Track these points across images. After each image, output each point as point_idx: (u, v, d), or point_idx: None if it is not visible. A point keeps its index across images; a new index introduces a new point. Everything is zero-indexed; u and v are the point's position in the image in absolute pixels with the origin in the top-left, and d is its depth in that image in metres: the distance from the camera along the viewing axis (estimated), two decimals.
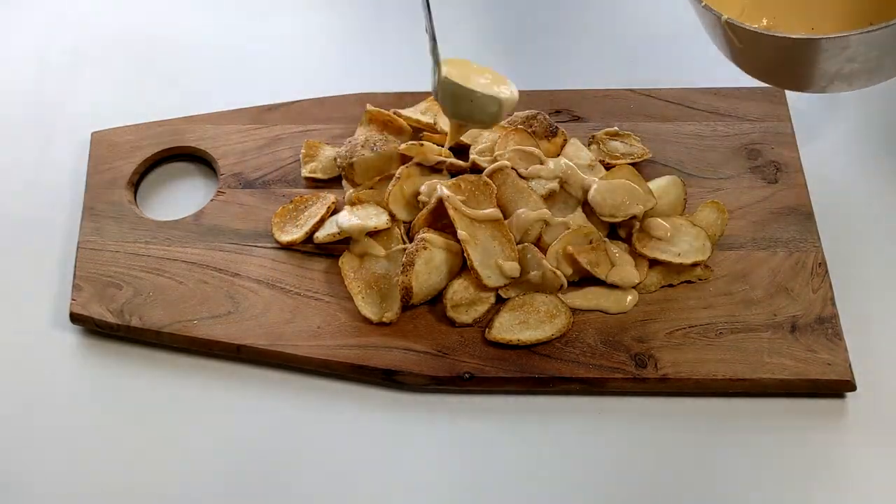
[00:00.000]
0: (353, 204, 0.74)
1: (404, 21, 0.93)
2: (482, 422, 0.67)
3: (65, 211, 0.78)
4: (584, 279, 0.71)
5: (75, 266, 0.73)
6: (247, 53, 0.90)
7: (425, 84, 0.84)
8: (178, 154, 0.81)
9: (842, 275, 0.72)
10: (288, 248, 0.74)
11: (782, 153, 0.78)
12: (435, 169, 0.74)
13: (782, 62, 0.68)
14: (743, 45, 0.68)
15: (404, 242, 0.72)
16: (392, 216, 0.73)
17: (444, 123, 0.78)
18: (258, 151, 0.80)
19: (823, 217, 0.75)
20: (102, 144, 0.81)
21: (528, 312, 0.69)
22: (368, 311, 0.70)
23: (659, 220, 0.72)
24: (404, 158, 0.76)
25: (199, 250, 0.74)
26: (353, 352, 0.68)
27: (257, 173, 0.78)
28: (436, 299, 0.70)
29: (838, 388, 0.67)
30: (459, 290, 0.70)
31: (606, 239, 0.72)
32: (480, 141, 0.77)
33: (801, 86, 0.70)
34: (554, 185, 0.73)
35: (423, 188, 0.73)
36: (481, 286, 0.70)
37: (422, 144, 0.75)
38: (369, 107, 0.79)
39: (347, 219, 0.72)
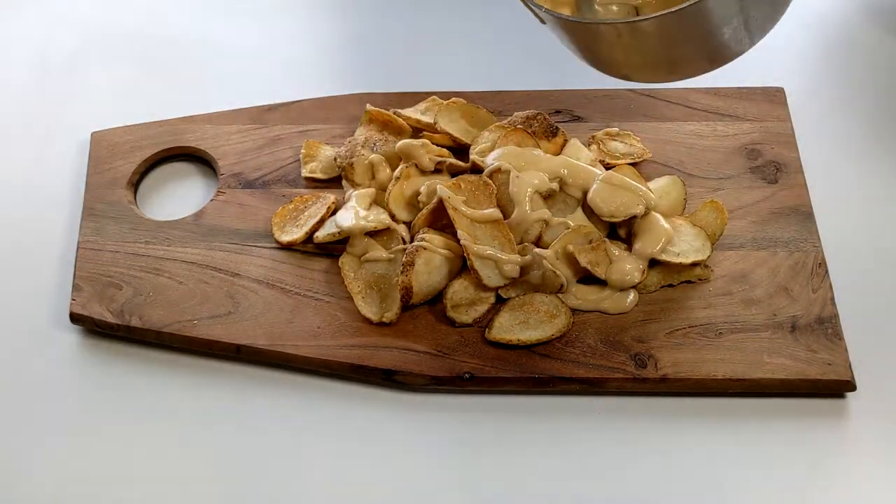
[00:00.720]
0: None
1: (405, 21, 0.93)
2: (482, 422, 0.67)
3: (65, 211, 0.78)
4: (584, 279, 0.71)
5: (75, 266, 0.73)
6: (247, 53, 0.90)
7: (425, 84, 0.84)
8: (178, 154, 0.81)
9: (842, 275, 0.72)
10: (288, 248, 0.74)
11: (782, 153, 0.78)
12: (435, 169, 0.74)
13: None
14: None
15: (404, 242, 0.72)
16: (392, 216, 0.73)
17: (445, 123, 0.77)
18: (258, 151, 0.80)
19: (823, 217, 0.75)
20: (102, 144, 0.81)
21: (528, 312, 0.69)
22: (368, 311, 0.70)
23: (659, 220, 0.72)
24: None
25: (199, 250, 0.74)
26: (353, 352, 0.68)
27: (257, 173, 0.78)
28: (436, 299, 0.70)
29: (838, 388, 0.67)
30: (459, 290, 0.70)
31: (606, 239, 0.72)
32: (480, 141, 0.77)
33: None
34: (554, 185, 0.73)
35: (423, 188, 0.73)
36: (481, 286, 0.70)
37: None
38: (369, 107, 0.79)
39: (347, 219, 0.72)
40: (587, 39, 0.66)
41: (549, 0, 0.68)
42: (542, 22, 0.67)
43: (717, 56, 0.66)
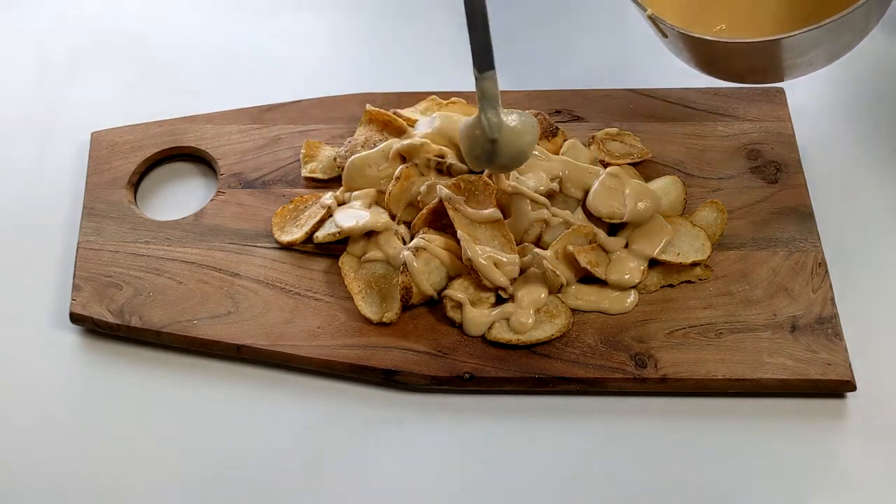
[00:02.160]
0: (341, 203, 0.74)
1: (404, 21, 0.93)
2: (482, 422, 0.67)
3: (65, 211, 0.78)
4: (584, 279, 0.71)
5: (75, 266, 0.73)
6: (247, 53, 0.90)
7: (425, 84, 0.84)
8: (178, 154, 0.81)
9: (842, 275, 0.72)
10: (288, 248, 0.74)
11: (782, 153, 0.78)
12: (436, 169, 0.74)
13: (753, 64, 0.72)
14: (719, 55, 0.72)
15: (404, 242, 0.72)
16: (392, 216, 0.73)
17: None
18: (258, 151, 0.80)
19: (823, 217, 0.75)
20: (102, 144, 0.81)
21: None
22: (368, 311, 0.70)
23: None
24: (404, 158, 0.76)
25: (199, 250, 0.74)
26: (353, 352, 0.68)
27: (257, 173, 0.78)
28: (436, 299, 0.70)
29: (838, 388, 0.67)
30: (459, 290, 0.70)
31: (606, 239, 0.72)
32: None
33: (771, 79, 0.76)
34: (554, 185, 0.73)
35: (423, 188, 0.73)
36: (481, 286, 0.70)
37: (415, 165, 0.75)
38: (369, 107, 0.79)
39: (347, 219, 0.72)
40: (710, 53, 0.71)
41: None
42: (665, 36, 0.71)
43: (836, 54, 0.72)
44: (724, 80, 0.75)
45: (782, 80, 0.74)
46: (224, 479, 0.65)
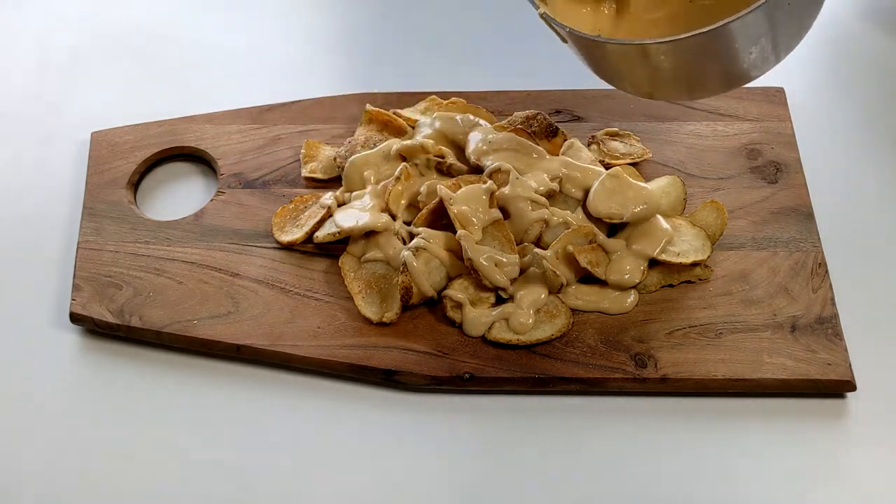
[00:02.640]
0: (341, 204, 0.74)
1: (404, 21, 0.93)
2: (482, 422, 0.67)
3: (65, 211, 0.78)
4: (584, 279, 0.71)
5: (75, 266, 0.73)
6: (247, 53, 0.90)
7: (425, 84, 0.84)
8: (178, 154, 0.81)
9: (842, 275, 0.72)
10: (288, 248, 0.74)
11: (782, 153, 0.78)
12: (436, 169, 0.74)
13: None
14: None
15: (404, 242, 0.72)
16: (392, 216, 0.73)
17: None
18: (258, 151, 0.80)
19: (823, 217, 0.75)
20: (102, 144, 0.81)
21: None
22: (368, 311, 0.70)
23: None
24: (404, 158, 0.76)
25: (199, 250, 0.74)
26: (353, 352, 0.68)
27: (257, 173, 0.78)
28: (436, 299, 0.70)
29: (838, 388, 0.67)
30: (459, 290, 0.70)
31: (607, 239, 0.72)
32: None
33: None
34: (554, 185, 0.73)
35: (422, 188, 0.73)
36: (481, 286, 0.70)
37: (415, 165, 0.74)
38: (369, 107, 0.79)
39: (347, 219, 0.72)
40: (611, 58, 0.66)
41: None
42: (564, 41, 0.66)
43: (741, 75, 0.65)
44: (633, 92, 0.69)
45: (688, 97, 0.70)
46: (224, 479, 0.65)
